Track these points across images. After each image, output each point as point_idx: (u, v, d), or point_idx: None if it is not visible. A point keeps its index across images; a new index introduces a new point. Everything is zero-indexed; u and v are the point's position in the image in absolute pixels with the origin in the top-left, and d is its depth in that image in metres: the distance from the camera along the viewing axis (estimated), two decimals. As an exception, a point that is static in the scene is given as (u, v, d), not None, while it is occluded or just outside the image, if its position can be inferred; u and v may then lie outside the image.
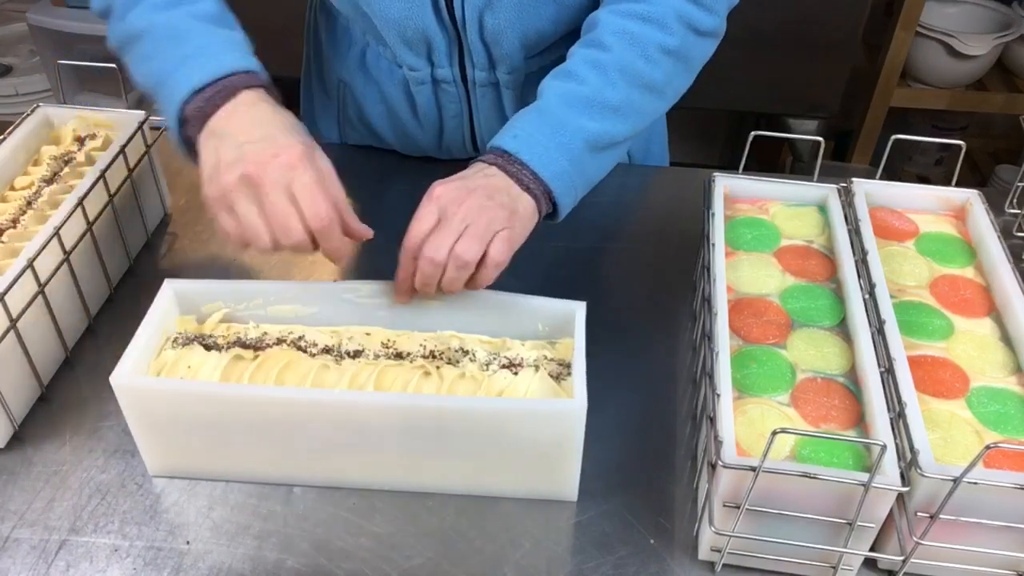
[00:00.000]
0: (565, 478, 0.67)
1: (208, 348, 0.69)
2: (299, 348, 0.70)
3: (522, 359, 0.68)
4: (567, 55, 0.77)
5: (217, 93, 0.67)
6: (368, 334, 0.71)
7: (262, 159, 0.62)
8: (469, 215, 0.66)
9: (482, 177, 0.69)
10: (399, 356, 0.70)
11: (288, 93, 0.74)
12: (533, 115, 0.73)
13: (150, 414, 0.65)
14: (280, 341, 0.70)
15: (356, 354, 0.70)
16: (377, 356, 0.69)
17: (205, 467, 0.68)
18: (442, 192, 0.67)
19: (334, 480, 0.68)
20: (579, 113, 0.72)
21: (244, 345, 0.70)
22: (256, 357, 0.69)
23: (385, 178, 1.00)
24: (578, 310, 0.68)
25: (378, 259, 0.72)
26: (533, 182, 0.70)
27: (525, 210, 0.70)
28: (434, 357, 0.69)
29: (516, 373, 0.67)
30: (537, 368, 0.67)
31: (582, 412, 0.62)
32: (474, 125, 0.94)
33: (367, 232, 0.69)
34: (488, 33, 0.83)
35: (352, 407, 0.63)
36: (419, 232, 0.66)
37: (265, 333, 0.71)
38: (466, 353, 0.69)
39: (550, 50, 0.88)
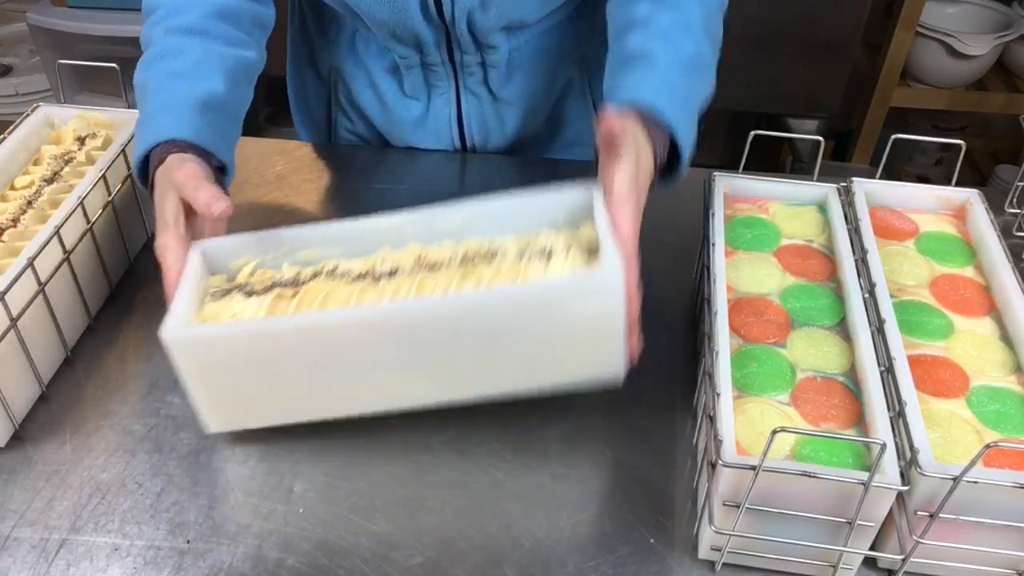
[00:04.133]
0: (610, 353, 0.65)
1: (248, 295, 0.69)
2: (336, 278, 0.70)
3: (552, 247, 0.68)
4: (639, 17, 0.76)
5: (151, 165, 0.74)
6: (400, 252, 0.72)
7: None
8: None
9: (645, 173, 0.68)
10: (433, 268, 0.70)
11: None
12: (656, 76, 0.73)
13: (205, 364, 0.65)
14: (316, 275, 0.70)
15: (392, 273, 0.69)
16: (413, 271, 0.69)
17: (264, 412, 0.68)
18: (629, 231, 0.66)
19: (391, 402, 0.68)
20: (694, 75, 0.75)
21: (282, 285, 0.70)
22: (296, 294, 0.69)
23: (369, 173, 1.03)
24: (595, 191, 0.68)
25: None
26: (663, 148, 0.71)
27: None
28: (468, 262, 0.69)
29: (549, 260, 0.67)
30: (568, 250, 0.67)
31: (617, 277, 0.61)
32: (460, 101, 0.98)
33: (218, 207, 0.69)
34: (477, 27, 0.86)
35: (400, 314, 0.63)
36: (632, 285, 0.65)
37: (299, 272, 0.71)
38: (496, 254, 0.69)
39: (530, 26, 0.93)
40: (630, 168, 0.65)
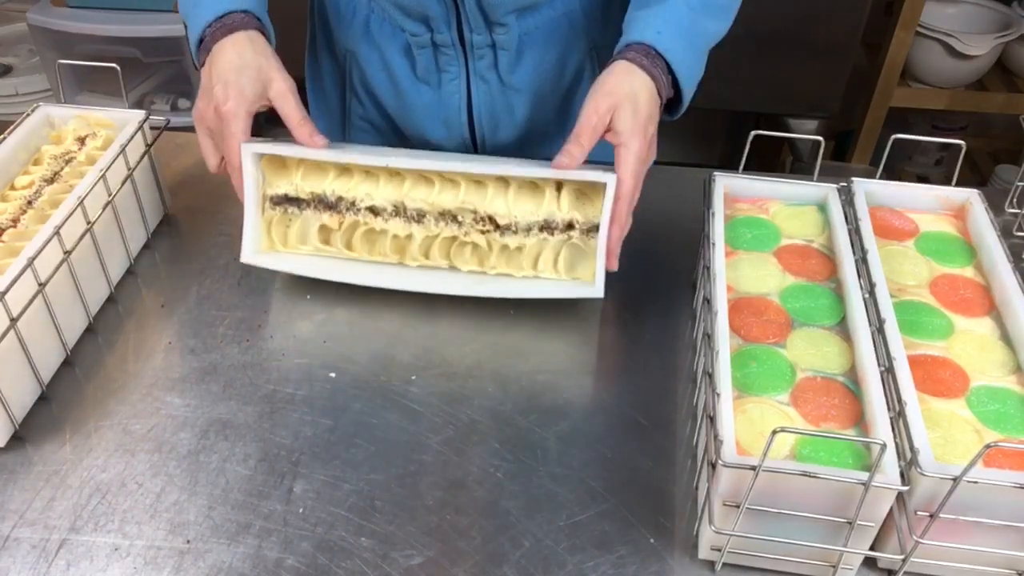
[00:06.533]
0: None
1: (300, 207, 0.84)
2: (373, 212, 0.82)
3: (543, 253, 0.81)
4: None
5: (218, 30, 0.81)
6: (429, 198, 0.81)
7: (216, 103, 0.78)
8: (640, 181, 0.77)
9: (646, 111, 0.76)
10: (455, 219, 0.81)
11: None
12: (663, 13, 0.79)
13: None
14: (355, 207, 0.82)
15: (420, 216, 0.81)
16: (437, 223, 0.81)
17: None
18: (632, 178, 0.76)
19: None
20: (703, 14, 0.81)
21: (327, 206, 0.83)
22: (341, 224, 0.83)
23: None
24: (608, 182, 0.75)
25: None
26: (666, 86, 0.78)
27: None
28: (485, 229, 0.81)
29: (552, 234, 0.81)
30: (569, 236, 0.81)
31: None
32: (471, 87, 0.98)
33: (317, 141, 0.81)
34: (486, 4, 0.87)
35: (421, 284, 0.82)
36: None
37: (340, 198, 0.82)
38: (506, 231, 0.81)
39: (541, 9, 0.93)
40: (635, 148, 0.75)
